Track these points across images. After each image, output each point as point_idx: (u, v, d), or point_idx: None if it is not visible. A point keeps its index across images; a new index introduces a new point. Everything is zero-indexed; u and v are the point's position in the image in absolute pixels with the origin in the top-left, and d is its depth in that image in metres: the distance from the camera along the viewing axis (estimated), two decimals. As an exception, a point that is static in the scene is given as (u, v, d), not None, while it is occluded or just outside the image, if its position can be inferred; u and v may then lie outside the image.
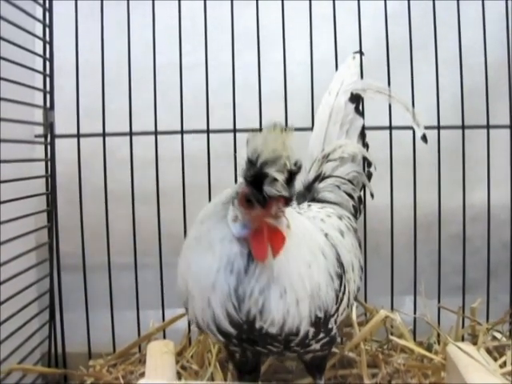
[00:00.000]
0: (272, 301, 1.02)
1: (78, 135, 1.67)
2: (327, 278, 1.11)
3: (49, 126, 1.67)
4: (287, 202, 0.97)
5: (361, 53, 1.40)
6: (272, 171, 0.92)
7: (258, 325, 1.03)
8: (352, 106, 1.48)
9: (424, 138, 1.43)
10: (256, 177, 0.94)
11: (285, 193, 0.93)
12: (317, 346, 1.14)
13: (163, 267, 1.70)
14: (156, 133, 1.67)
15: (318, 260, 1.10)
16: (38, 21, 1.64)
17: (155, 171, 1.67)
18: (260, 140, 0.93)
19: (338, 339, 1.45)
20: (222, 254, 1.04)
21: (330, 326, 1.13)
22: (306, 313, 1.06)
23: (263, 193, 0.94)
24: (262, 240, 1.01)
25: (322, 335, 1.12)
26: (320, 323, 1.10)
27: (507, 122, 1.71)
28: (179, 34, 1.64)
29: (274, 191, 0.93)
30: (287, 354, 1.18)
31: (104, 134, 1.67)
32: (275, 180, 0.92)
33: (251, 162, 0.94)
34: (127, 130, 1.67)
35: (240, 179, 1.01)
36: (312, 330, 1.09)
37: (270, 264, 1.02)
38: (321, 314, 1.09)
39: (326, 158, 1.45)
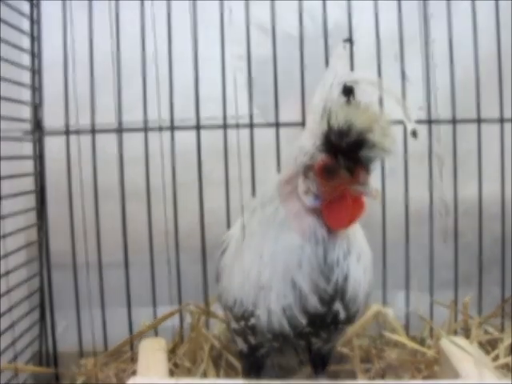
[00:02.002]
0: (351, 265, 1.02)
1: (67, 132, 1.65)
2: None
3: (37, 122, 1.65)
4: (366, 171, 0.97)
5: (351, 41, 1.37)
6: (373, 137, 0.92)
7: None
8: (344, 100, 1.46)
9: (413, 134, 1.40)
10: (350, 145, 0.93)
11: (385, 155, 0.94)
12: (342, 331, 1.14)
13: (154, 264, 1.68)
14: (146, 129, 1.66)
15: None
16: (26, 16, 1.62)
17: (145, 168, 1.65)
18: (349, 111, 0.95)
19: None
20: (302, 226, 1.01)
21: None
22: (368, 285, 1.07)
23: (351, 161, 0.94)
24: (339, 209, 0.99)
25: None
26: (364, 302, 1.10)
27: (498, 116, 1.71)
28: (168, 26, 1.63)
29: (374, 155, 0.94)
30: (315, 346, 1.16)
31: (93, 131, 1.65)
32: (373, 146, 0.92)
33: (341, 133, 0.94)
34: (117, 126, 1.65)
35: (310, 152, 1.02)
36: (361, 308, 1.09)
37: (345, 231, 1.03)
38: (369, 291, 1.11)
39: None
